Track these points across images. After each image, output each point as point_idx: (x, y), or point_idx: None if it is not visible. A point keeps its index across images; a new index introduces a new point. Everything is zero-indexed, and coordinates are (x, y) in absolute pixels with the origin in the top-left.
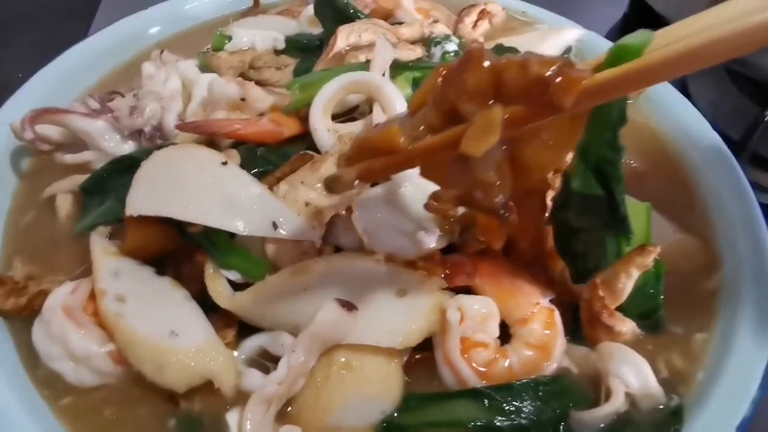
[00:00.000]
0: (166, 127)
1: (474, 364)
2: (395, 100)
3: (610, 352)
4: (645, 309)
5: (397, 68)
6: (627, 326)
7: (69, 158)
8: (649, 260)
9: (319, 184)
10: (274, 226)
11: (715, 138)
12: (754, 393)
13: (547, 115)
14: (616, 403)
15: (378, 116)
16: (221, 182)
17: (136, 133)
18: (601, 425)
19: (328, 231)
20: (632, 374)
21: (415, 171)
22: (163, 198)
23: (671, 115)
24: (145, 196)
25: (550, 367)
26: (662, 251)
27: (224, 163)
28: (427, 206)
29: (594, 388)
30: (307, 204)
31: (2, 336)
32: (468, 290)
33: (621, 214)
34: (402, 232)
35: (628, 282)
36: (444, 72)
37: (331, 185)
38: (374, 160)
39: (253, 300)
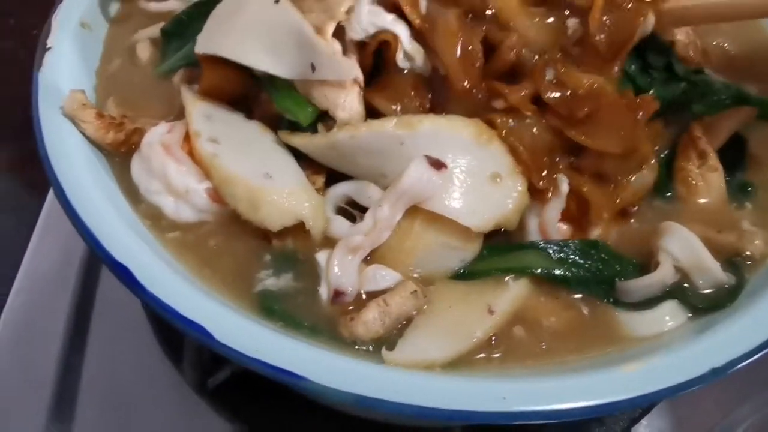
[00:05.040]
0: None
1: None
2: None
3: (662, 229)
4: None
5: None
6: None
7: (154, 6)
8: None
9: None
10: (312, 68)
11: None
12: None
13: None
14: (663, 272)
15: None
16: (271, 21)
17: None
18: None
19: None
20: (681, 249)
21: None
22: (222, 37)
23: None
24: (210, 36)
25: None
26: None
27: (276, 1)
28: None
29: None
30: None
31: (105, 172)
32: None
33: None
34: None
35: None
36: None
37: None
38: None
39: (349, 137)
